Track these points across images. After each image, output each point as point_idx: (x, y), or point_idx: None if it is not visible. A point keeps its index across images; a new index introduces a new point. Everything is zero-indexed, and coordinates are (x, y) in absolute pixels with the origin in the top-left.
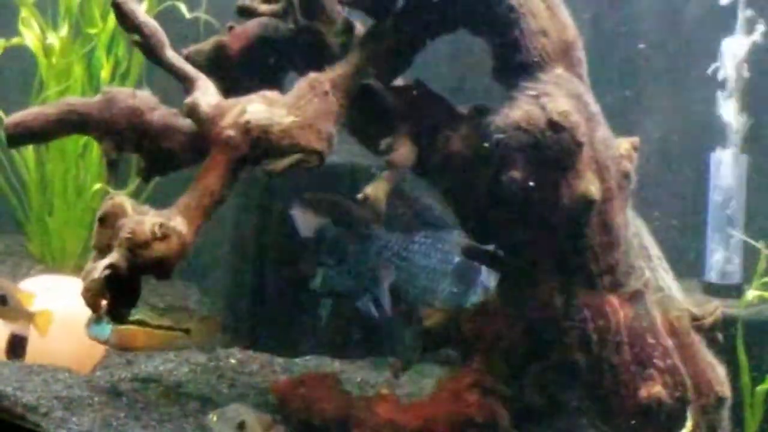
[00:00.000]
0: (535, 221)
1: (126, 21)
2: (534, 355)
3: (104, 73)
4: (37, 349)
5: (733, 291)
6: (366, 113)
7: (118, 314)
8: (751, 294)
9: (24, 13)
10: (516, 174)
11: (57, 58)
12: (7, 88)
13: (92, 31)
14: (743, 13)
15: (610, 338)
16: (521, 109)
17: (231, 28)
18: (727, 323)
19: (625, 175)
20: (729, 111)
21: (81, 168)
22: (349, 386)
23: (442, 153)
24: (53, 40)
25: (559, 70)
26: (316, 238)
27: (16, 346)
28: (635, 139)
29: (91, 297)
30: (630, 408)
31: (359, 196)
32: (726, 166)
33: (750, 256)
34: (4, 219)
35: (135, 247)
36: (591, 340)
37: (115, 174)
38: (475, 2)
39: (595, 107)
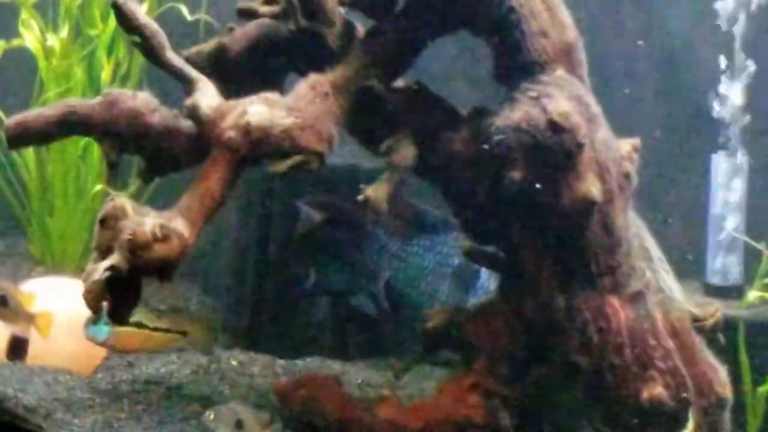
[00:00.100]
0: (536, 222)
1: (126, 22)
2: (535, 357)
3: (105, 75)
4: (38, 351)
5: (734, 292)
6: (366, 114)
7: (119, 316)
8: (752, 295)
9: (24, 14)
10: (517, 175)
11: (57, 59)
12: (7, 90)
13: (93, 32)
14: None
15: (611, 339)
16: (522, 111)
17: (231, 29)
18: (728, 324)
19: (626, 177)
20: (729, 111)
21: (82, 169)
22: (350, 388)
23: (442, 154)
24: (53, 41)
25: (560, 72)
26: (311, 236)
27: (17, 347)
28: (636, 141)
29: (92, 298)
30: (631, 409)
31: (360, 197)
32: (727, 167)
33: (751, 257)
34: (4, 220)
35: (136, 248)
36: (592, 342)
37: (115, 175)
38: (475, 3)
39: (596, 108)
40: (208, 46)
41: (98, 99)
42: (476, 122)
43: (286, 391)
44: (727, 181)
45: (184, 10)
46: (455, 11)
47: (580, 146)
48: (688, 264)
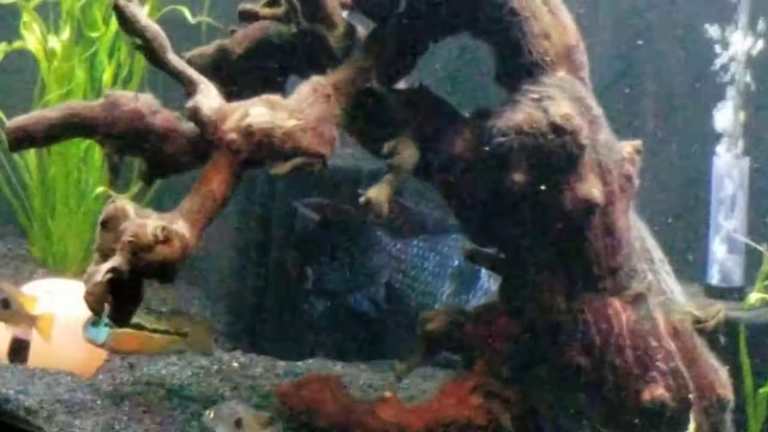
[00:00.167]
0: (538, 224)
1: (128, 24)
2: (536, 359)
3: (106, 77)
4: (39, 353)
5: (736, 294)
6: (368, 116)
7: (120, 317)
8: (754, 296)
9: (25, 16)
10: (518, 177)
11: (59, 61)
12: (8, 92)
13: (94, 34)
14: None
15: (613, 341)
16: (523, 112)
17: (233, 31)
18: (729, 326)
19: (628, 178)
20: (730, 112)
21: (83, 171)
22: (351, 389)
23: (444, 156)
24: (55, 43)
25: (562, 73)
26: (308, 236)
27: (19, 349)
28: (638, 143)
29: (94, 300)
30: (633, 410)
31: (361, 199)
32: (728, 169)
33: (752, 258)
34: (6, 222)
35: (137, 250)
36: (593, 343)
37: (117, 177)
38: (477, 5)
39: (597, 110)
40: (210, 48)
41: (100, 101)
42: (478, 124)
43: (287, 393)
44: (729, 183)
45: (187, 13)
46: (457, 13)
47: (581, 148)
48: (690, 266)
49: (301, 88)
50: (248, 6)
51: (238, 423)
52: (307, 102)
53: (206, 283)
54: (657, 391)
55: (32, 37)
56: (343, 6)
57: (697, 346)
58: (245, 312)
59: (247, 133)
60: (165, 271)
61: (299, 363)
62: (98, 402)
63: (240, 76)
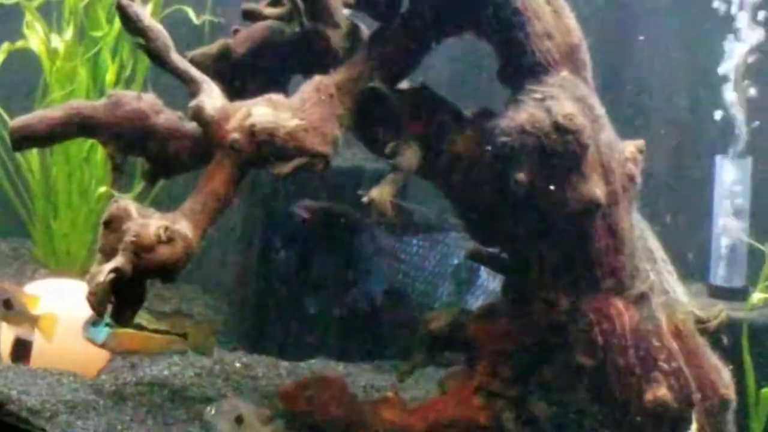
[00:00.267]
0: (540, 224)
1: (131, 24)
2: (539, 359)
3: (109, 77)
4: (41, 353)
5: (738, 294)
6: (371, 116)
7: (122, 317)
8: (756, 297)
9: (28, 16)
10: (521, 177)
11: (62, 61)
12: (11, 92)
13: (97, 34)
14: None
15: (615, 341)
16: (526, 112)
17: (236, 31)
18: (731, 326)
19: (631, 178)
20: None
21: (86, 171)
22: (354, 389)
23: (447, 156)
24: (58, 43)
25: (564, 73)
26: (304, 231)
27: (21, 349)
28: (640, 142)
29: (96, 300)
30: (635, 411)
31: (364, 198)
32: (731, 169)
33: (755, 259)
34: (8, 223)
35: (140, 250)
36: (596, 343)
37: (119, 177)
38: (480, 5)
39: (600, 110)
40: (213, 47)
41: (102, 101)
42: (481, 124)
43: (290, 393)
44: (732, 183)
45: (191, 13)
46: (460, 13)
47: (584, 148)
48: (692, 266)
49: (304, 88)
50: (251, 5)
51: (239, 419)
52: (309, 102)
53: (209, 283)
54: (659, 392)
55: (35, 37)
56: (346, 5)
57: (700, 346)
58: (248, 312)
59: (250, 132)
60: (167, 271)
61: (302, 363)
62: (101, 402)
63: (243, 75)
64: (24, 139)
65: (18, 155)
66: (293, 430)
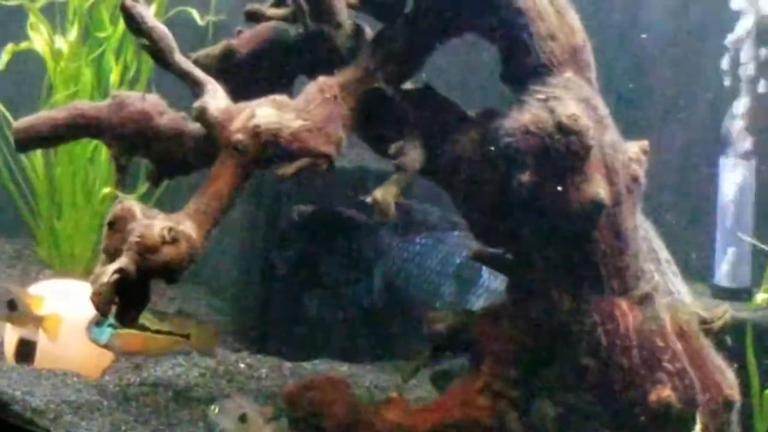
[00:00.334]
0: (544, 225)
1: (134, 25)
2: (543, 359)
3: (113, 77)
4: (46, 354)
5: (743, 294)
6: (375, 117)
7: (126, 318)
8: (761, 297)
9: (32, 17)
10: (525, 178)
11: (66, 62)
12: (15, 93)
13: (101, 35)
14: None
15: (619, 342)
16: (530, 113)
17: (240, 32)
18: (736, 326)
19: (635, 179)
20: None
21: (90, 172)
22: (358, 390)
23: (451, 156)
24: (62, 44)
25: (568, 74)
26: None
27: (25, 350)
28: (645, 143)
29: (100, 301)
30: (639, 411)
31: (368, 199)
32: (735, 170)
33: (759, 259)
34: (12, 223)
35: (144, 251)
36: (600, 344)
37: (123, 178)
38: (484, 6)
39: (603, 111)
40: (217, 48)
41: (106, 102)
42: (484, 124)
43: (294, 394)
44: (736, 184)
45: (195, 14)
46: (464, 13)
47: (588, 148)
48: (696, 266)
49: (308, 89)
50: (255, 6)
51: (243, 418)
52: (313, 102)
53: (213, 284)
54: (663, 392)
55: (39, 38)
56: (351, 6)
57: (704, 347)
58: (252, 312)
59: (254, 133)
60: (171, 272)
61: (305, 364)
62: (105, 403)
63: (247, 76)
64: (28, 140)
65: (22, 156)
66: (296, 431)
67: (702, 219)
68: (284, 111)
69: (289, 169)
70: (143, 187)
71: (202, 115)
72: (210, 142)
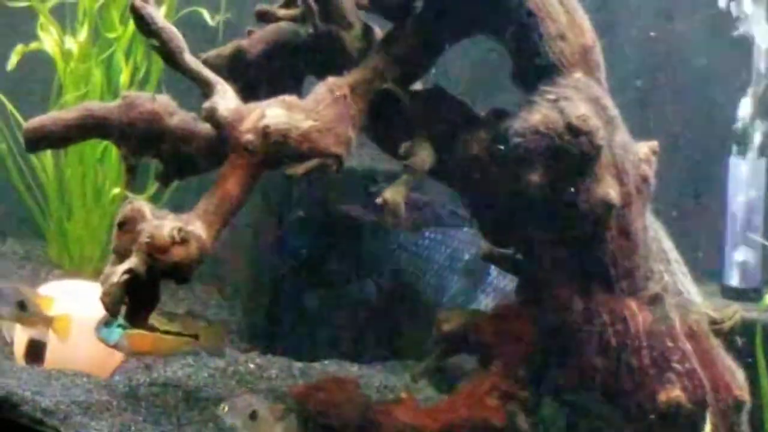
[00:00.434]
0: (554, 225)
1: (144, 26)
2: (553, 360)
3: (123, 78)
4: (55, 354)
5: (753, 294)
6: (385, 117)
7: (136, 319)
8: None
9: (42, 18)
10: (535, 178)
11: (76, 62)
12: (25, 93)
13: (111, 35)
14: None
15: (629, 342)
16: (540, 113)
17: (250, 32)
18: (746, 327)
19: (644, 179)
20: (747, 113)
21: (100, 173)
22: (368, 390)
23: (460, 157)
24: (72, 44)
25: (578, 74)
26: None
27: (35, 351)
28: (654, 143)
29: (110, 301)
30: (649, 412)
31: (377, 200)
32: (745, 169)
33: None
34: (22, 224)
35: (154, 251)
36: (609, 344)
37: (133, 178)
38: (494, 6)
39: (613, 111)
40: (226, 49)
41: (117, 102)
42: (494, 125)
43: (303, 394)
44: (746, 184)
45: (206, 14)
46: (474, 14)
47: (598, 149)
48: (706, 266)
49: (318, 89)
50: (265, 7)
51: (253, 415)
52: (323, 103)
53: (222, 284)
54: (673, 393)
55: (49, 38)
56: (360, 7)
57: (714, 347)
58: (262, 313)
59: (264, 134)
60: (181, 272)
61: (315, 364)
62: (114, 403)
63: (256, 76)
64: (38, 141)
65: (32, 156)
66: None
67: (712, 219)
68: (294, 111)
69: (298, 169)
70: (153, 187)
71: (211, 116)
72: (220, 143)
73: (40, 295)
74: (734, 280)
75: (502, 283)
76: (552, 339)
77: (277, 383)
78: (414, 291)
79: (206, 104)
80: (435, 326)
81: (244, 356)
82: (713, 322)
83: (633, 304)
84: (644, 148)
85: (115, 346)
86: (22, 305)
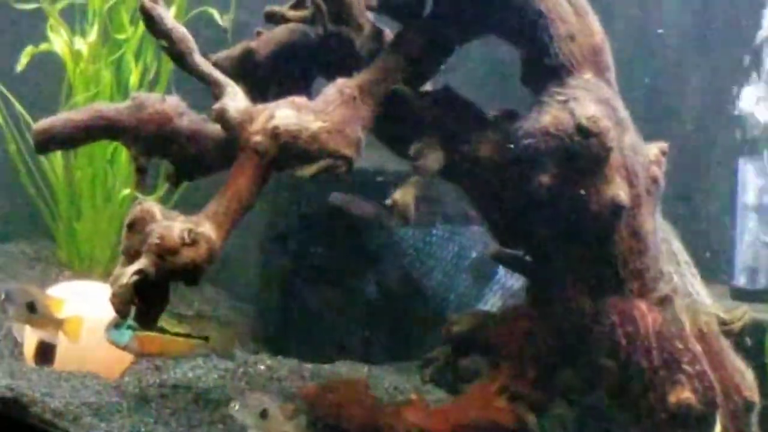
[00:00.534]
0: (564, 226)
1: (154, 27)
2: (563, 361)
3: (133, 79)
4: (65, 356)
5: (762, 296)
6: (394, 118)
7: (146, 320)
8: None
9: (52, 19)
10: (545, 179)
11: (85, 63)
12: (35, 94)
13: (121, 36)
14: None
15: (639, 343)
16: (550, 114)
17: (259, 33)
18: (755, 328)
19: (654, 181)
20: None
21: (109, 174)
22: (377, 391)
23: (470, 158)
24: (82, 45)
25: (588, 75)
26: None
27: (45, 352)
28: (664, 145)
29: (120, 302)
30: (659, 413)
31: (387, 201)
32: (754, 171)
33: None
34: (32, 225)
35: (164, 252)
36: (619, 345)
37: (143, 179)
38: (504, 7)
39: (623, 112)
40: (236, 50)
41: (126, 103)
42: (504, 126)
43: (314, 395)
44: (755, 185)
45: (216, 15)
46: (483, 15)
47: (608, 150)
48: (716, 267)
49: (327, 91)
50: (275, 8)
51: (264, 414)
52: (333, 104)
53: (234, 286)
54: (683, 394)
55: (59, 40)
56: (370, 8)
57: (723, 349)
58: (272, 314)
59: (273, 135)
60: (191, 274)
61: (325, 365)
62: (124, 404)
63: (266, 77)
64: (48, 142)
65: (42, 157)
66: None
67: (721, 221)
68: (303, 112)
69: (308, 170)
70: (163, 188)
71: (221, 117)
72: (229, 144)
73: (50, 296)
74: (744, 281)
75: (509, 282)
76: (561, 340)
77: (287, 384)
78: (421, 286)
79: (216, 105)
80: (445, 328)
81: (254, 358)
82: (723, 323)
83: (643, 306)
84: (654, 149)
85: (125, 348)
86: (31, 306)
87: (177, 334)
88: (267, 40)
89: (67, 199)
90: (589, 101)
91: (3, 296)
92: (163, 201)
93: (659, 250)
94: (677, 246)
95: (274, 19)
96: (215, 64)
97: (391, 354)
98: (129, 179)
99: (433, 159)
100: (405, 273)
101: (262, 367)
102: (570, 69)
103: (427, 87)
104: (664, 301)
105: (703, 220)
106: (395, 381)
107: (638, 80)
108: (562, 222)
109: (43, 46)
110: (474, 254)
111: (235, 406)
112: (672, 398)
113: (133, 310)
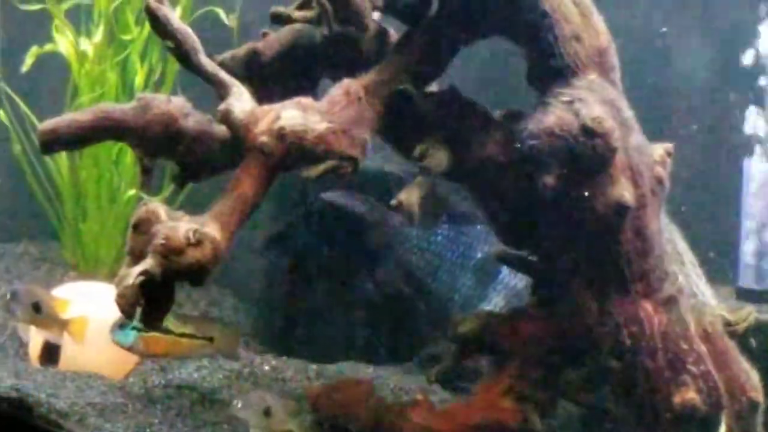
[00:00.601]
0: (569, 227)
1: (159, 27)
2: (567, 361)
3: (138, 80)
4: (70, 356)
5: (767, 296)
6: (400, 119)
7: (151, 321)
8: None
9: (57, 20)
10: (549, 180)
11: (91, 64)
12: (41, 95)
13: (127, 37)
14: None
15: (644, 344)
16: (554, 115)
17: (265, 34)
18: (761, 328)
19: (659, 181)
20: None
21: (115, 174)
22: (383, 392)
23: (475, 159)
24: (87, 46)
25: (593, 76)
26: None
27: (50, 353)
28: (669, 145)
29: (125, 303)
30: (663, 414)
31: (393, 201)
32: (760, 171)
33: None
34: (38, 226)
35: (169, 253)
36: (624, 346)
37: (149, 180)
38: (508, 8)
39: (628, 113)
40: (241, 50)
41: (132, 104)
42: (509, 126)
43: (319, 396)
44: (760, 186)
45: (223, 15)
46: (488, 16)
47: (613, 151)
48: (721, 268)
49: (333, 91)
50: (280, 9)
51: (267, 411)
52: (338, 105)
53: (239, 286)
54: (688, 395)
55: (64, 40)
56: (375, 9)
57: (729, 349)
58: (277, 315)
59: (279, 135)
60: (197, 274)
61: (330, 366)
62: (129, 405)
63: (271, 78)
64: (53, 142)
65: (47, 158)
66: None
67: (726, 221)
68: (309, 113)
69: (314, 171)
70: (168, 189)
71: (227, 118)
72: (235, 145)
73: (55, 297)
74: (749, 282)
75: (513, 282)
76: (566, 340)
77: (292, 385)
78: (424, 285)
79: (221, 106)
80: (450, 329)
81: (259, 358)
82: (728, 324)
83: (648, 306)
84: (659, 149)
85: (130, 349)
86: (36, 307)
87: (182, 335)
88: (272, 40)
89: (73, 200)
90: (594, 102)
91: (8, 297)
92: (169, 202)
93: (664, 250)
94: (682, 246)
95: (279, 19)
96: (221, 65)
97: (395, 354)
98: (134, 180)
99: (439, 160)
100: (409, 273)
101: (267, 368)
102: (575, 69)
103: (433, 87)
104: (669, 302)
105: (708, 221)
106: (400, 381)
107: (642, 79)
108: (567, 222)
109: (49, 47)
110: (479, 254)
111: (237, 404)
112: (677, 399)
113: (138, 310)
